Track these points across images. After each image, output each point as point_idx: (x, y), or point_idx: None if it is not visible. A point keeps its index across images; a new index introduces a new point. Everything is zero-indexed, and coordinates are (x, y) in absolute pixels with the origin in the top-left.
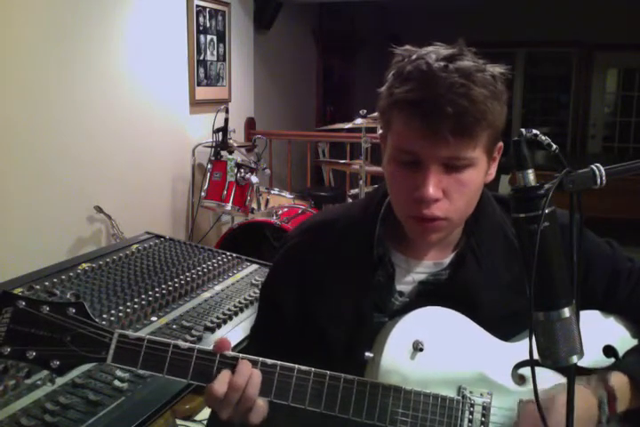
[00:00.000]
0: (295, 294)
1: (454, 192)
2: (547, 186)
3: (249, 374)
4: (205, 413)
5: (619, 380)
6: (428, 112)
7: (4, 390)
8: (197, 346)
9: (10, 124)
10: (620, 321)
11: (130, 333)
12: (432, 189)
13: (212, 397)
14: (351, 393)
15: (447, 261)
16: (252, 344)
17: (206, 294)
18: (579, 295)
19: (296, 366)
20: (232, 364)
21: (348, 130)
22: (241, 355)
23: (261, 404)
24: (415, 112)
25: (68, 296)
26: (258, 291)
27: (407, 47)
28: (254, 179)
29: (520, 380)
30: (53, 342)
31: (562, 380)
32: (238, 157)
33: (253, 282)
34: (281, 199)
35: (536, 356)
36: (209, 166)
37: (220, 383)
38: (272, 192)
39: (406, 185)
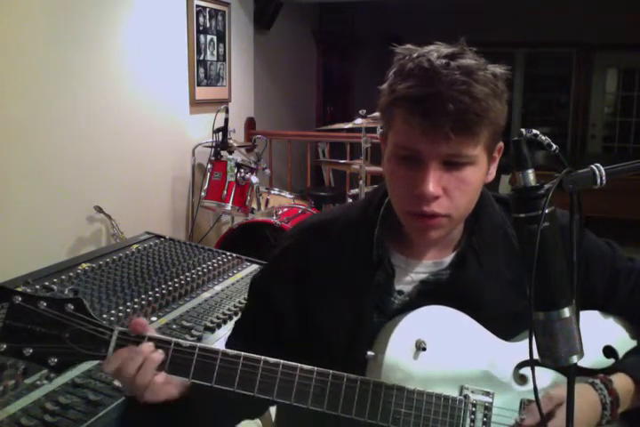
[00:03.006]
0: (294, 293)
1: (454, 190)
2: (547, 186)
3: (141, 360)
4: None
5: (622, 382)
6: (430, 109)
7: (3, 390)
8: (199, 344)
9: (10, 125)
10: (620, 321)
11: (130, 330)
12: (432, 186)
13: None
14: (354, 393)
15: (447, 260)
16: (233, 338)
17: (206, 294)
18: (579, 295)
19: (299, 365)
20: (233, 361)
21: (348, 130)
22: (243, 353)
23: (157, 383)
24: (416, 109)
25: (66, 292)
26: None
27: (408, 46)
28: (254, 179)
29: (521, 380)
30: (51, 338)
31: (562, 380)
32: (238, 157)
33: None
34: (281, 199)
35: (536, 356)
36: (209, 166)
37: (110, 363)
38: (272, 192)
39: (406, 182)
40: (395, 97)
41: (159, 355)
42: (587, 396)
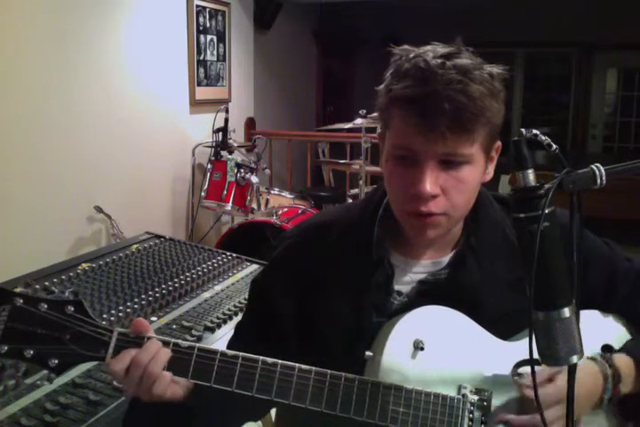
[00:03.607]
0: (294, 293)
1: (451, 189)
2: (547, 186)
3: (156, 350)
4: None
5: (623, 362)
6: (426, 108)
7: (3, 390)
8: (198, 344)
9: (11, 125)
10: (619, 321)
11: (130, 331)
12: (429, 186)
13: (112, 374)
14: (352, 392)
15: (446, 260)
16: (235, 341)
17: (206, 294)
18: (579, 295)
19: (297, 364)
20: (231, 361)
21: (348, 130)
22: (241, 353)
23: (167, 377)
24: (412, 108)
25: (67, 294)
26: None
27: (405, 47)
28: (254, 179)
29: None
30: (52, 340)
31: None
32: (238, 157)
33: None
34: (281, 199)
35: (536, 355)
36: (209, 166)
37: (120, 360)
38: (272, 192)
39: (404, 182)
40: (391, 97)
41: (167, 351)
42: (587, 369)
